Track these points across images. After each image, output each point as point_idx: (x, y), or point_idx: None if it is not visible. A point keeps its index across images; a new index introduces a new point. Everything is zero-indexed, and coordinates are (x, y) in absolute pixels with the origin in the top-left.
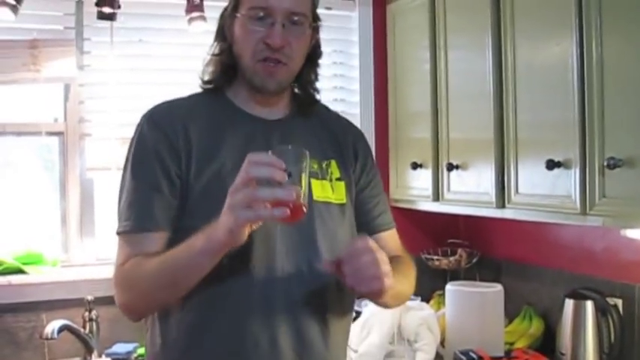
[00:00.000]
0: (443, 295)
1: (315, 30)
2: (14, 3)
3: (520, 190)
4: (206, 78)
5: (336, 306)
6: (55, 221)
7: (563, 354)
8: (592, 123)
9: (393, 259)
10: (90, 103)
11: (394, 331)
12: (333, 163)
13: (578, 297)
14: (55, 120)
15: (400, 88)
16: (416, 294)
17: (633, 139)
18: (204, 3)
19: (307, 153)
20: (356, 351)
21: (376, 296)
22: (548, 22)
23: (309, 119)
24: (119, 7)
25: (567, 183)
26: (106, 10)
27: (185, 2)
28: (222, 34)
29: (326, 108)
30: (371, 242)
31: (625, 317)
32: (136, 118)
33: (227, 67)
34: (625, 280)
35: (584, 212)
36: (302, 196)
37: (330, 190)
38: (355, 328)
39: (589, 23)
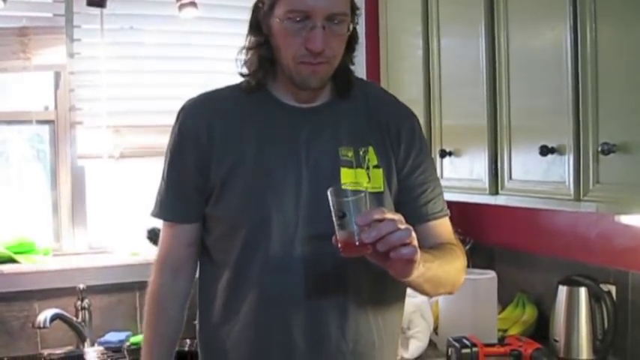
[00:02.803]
0: None
1: (354, 20)
2: None
3: (513, 177)
4: (245, 71)
5: (363, 294)
6: (47, 210)
7: (556, 340)
8: (586, 108)
9: (438, 245)
10: (80, 91)
11: None
12: (371, 149)
13: (572, 283)
14: (46, 108)
15: (393, 74)
16: None
17: (627, 125)
18: None
19: (365, 191)
20: None
21: (407, 271)
22: (541, 6)
23: (350, 103)
24: None
25: (561, 169)
26: None
27: None
28: (258, 26)
29: (380, 90)
30: (387, 211)
31: (618, 304)
32: (127, 106)
33: (265, 59)
34: (619, 266)
35: (578, 198)
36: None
37: (365, 179)
38: None
39: (583, 8)
